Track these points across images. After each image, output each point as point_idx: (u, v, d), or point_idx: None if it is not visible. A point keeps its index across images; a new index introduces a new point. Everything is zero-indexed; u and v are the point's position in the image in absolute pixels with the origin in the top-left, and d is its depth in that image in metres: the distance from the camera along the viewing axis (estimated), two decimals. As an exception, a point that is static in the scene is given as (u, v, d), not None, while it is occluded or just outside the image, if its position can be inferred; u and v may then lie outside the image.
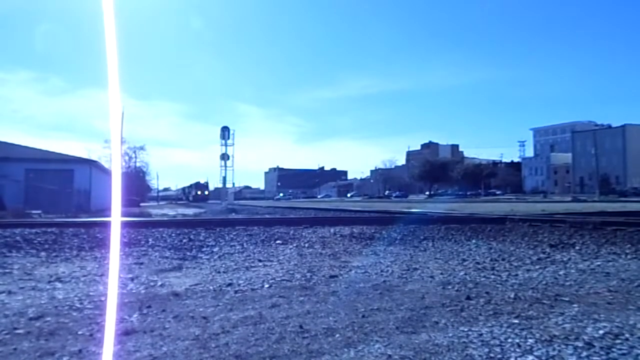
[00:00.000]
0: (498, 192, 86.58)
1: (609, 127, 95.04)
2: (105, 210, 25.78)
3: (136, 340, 2.63)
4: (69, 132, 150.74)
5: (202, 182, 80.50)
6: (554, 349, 2.40)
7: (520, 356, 2.32)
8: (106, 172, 36.42)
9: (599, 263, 5.28)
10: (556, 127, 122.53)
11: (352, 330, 2.79)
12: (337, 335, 2.70)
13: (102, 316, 3.13)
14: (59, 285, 4.31)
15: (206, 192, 76.71)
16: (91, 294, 3.89)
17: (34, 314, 3.23)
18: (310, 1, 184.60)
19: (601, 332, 2.65)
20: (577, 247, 6.54)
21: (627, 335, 2.58)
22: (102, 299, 3.68)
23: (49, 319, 3.11)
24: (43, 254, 6.37)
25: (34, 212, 19.01)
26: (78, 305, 3.47)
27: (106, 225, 9.59)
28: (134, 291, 4.03)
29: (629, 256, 5.72)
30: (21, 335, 2.75)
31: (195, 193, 76.48)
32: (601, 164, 75.92)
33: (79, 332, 2.80)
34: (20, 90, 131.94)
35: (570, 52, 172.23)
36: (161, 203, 68.37)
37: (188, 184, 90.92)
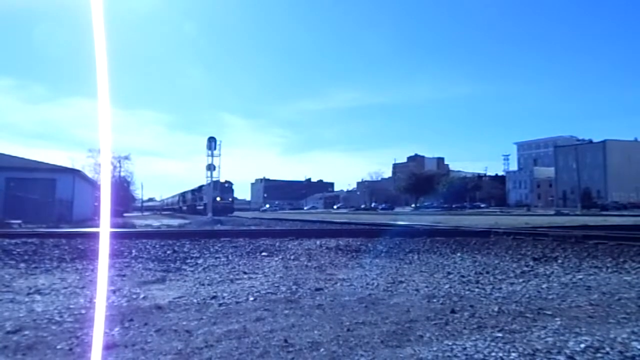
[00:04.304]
0: (482, 205, 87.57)
1: (590, 142, 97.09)
2: (87, 221, 25.36)
3: (117, 355, 2.58)
4: (52, 141, 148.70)
5: (222, 181, 47.78)
6: (536, 363, 2.42)
7: (503, 370, 2.33)
8: (89, 182, 35.88)
9: (580, 276, 5.35)
10: (539, 141, 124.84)
11: (337, 344, 2.78)
12: (322, 350, 2.68)
13: (82, 330, 3.06)
14: (38, 297, 4.21)
15: (230, 199, 48.40)
16: (71, 306, 3.80)
17: (11, 327, 3.14)
18: (297, 13, 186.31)
19: (582, 345, 2.68)
20: (559, 261, 6.63)
21: (607, 349, 2.62)
22: (83, 312, 3.60)
23: (27, 332, 3.03)
24: (22, 265, 6.22)
25: (13, 222, 18.60)
26: (58, 319, 3.39)
27: (88, 236, 9.44)
28: (115, 304, 3.95)
29: (609, 270, 5.81)
30: (-3, 350, 2.67)
31: (214, 200, 44.54)
32: (583, 178, 77.35)
33: (58, 347, 2.73)
34: (1, 98, 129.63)
35: (553, 68, 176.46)
36: (145, 213, 67.51)
37: (195, 186, 54.38)
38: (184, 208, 60.75)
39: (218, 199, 45.37)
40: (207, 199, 44.31)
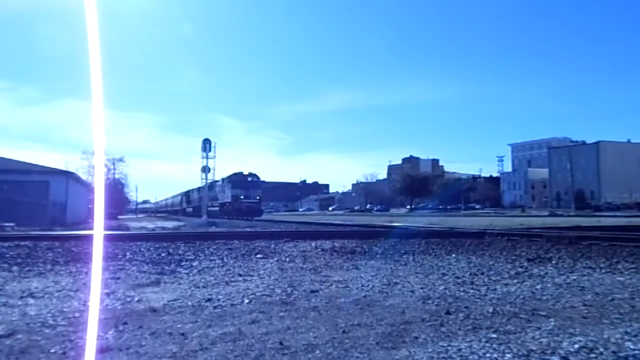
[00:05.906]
0: (477, 207, 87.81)
1: (584, 143, 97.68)
2: (81, 223, 25.23)
3: (111, 358, 2.57)
4: (45, 143, 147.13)
5: (246, 173, 38.63)
6: (531, 364, 2.43)
7: (498, 371, 2.34)
8: (83, 184, 35.67)
9: (574, 277, 5.38)
10: (533, 142, 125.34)
11: (333, 346, 2.77)
12: (318, 352, 2.68)
13: (75, 333, 3.04)
14: (31, 301, 4.18)
15: (257, 197, 38.36)
16: (65, 310, 3.78)
17: (4, 331, 3.12)
18: (293, 15, 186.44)
19: (576, 346, 2.69)
20: (553, 262, 6.66)
21: (601, 349, 2.63)
22: (77, 315, 3.58)
23: (20, 336, 3.01)
24: (15, 268, 6.18)
25: (6, 225, 18.46)
26: (51, 322, 3.37)
27: (82, 238, 9.38)
28: (110, 307, 3.93)
29: (603, 270, 5.85)
30: (-10, 354, 2.65)
31: (236, 199, 36.54)
32: (576, 179, 77.83)
33: (52, 350, 2.71)
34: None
35: (546, 69, 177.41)
36: (140, 216, 67.10)
37: (200, 184, 38.39)
38: (189, 210, 50.08)
39: (242, 197, 36.44)
40: (222, 197, 37.71)
